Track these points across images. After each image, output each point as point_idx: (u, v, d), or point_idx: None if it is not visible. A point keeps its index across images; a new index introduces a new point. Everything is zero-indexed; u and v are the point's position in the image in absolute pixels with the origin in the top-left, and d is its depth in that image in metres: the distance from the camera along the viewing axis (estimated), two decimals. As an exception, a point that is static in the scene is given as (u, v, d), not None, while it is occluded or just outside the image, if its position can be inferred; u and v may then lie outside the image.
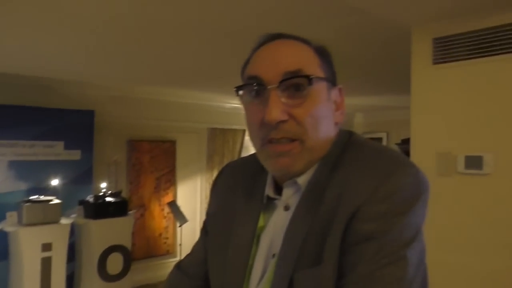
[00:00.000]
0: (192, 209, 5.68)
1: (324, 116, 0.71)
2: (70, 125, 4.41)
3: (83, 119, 4.50)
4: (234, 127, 6.06)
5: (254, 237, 0.75)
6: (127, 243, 4.21)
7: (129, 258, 4.21)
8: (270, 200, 0.77)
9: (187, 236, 5.42)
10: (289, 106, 0.68)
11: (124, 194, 4.73)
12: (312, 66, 0.70)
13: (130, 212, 4.47)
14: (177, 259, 5.20)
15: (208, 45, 2.85)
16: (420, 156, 2.25)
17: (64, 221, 3.90)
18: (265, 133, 0.69)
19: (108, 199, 4.22)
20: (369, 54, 3.05)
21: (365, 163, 0.67)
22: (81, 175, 4.48)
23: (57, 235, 3.78)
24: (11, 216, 3.76)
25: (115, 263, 4.06)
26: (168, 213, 5.36)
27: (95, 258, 3.95)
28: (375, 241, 0.60)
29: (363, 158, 0.69)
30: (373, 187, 0.62)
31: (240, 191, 0.81)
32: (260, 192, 0.78)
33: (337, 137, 0.74)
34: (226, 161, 5.98)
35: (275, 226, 0.73)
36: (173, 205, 5.00)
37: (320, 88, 0.70)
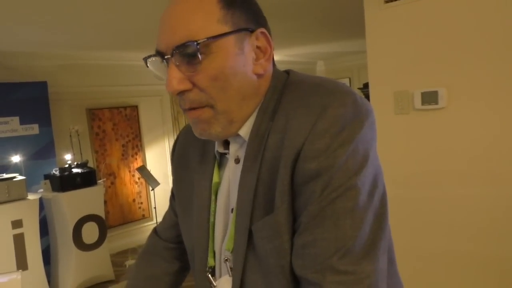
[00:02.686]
0: (163, 171, 5.68)
1: (234, 73, 0.65)
2: (23, 99, 4.20)
3: (36, 92, 4.29)
4: (196, 86, 5.95)
5: (211, 194, 0.76)
6: (100, 212, 4.19)
7: (104, 226, 4.21)
8: (223, 155, 0.77)
9: (161, 199, 5.44)
10: (189, 73, 0.65)
11: (90, 164, 4.65)
12: (208, 26, 0.63)
13: (100, 181, 4.41)
14: (154, 222, 5.26)
15: (159, 3, 2.73)
16: (378, 97, 2.31)
17: (32, 196, 3.82)
18: (175, 99, 0.69)
19: (74, 170, 4.14)
20: (322, 0, 3.02)
21: (302, 101, 0.64)
22: (42, 149, 4.34)
23: (26, 211, 3.71)
24: (-26, 197, 3.64)
25: (90, 232, 4.06)
26: (139, 178, 5.33)
27: (69, 230, 3.93)
28: (321, 178, 0.59)
29: (300, 96, 0.66)
30: (311, 124, 0.60)
31: (194, 153, 0.82)
32: (212, 150, 0.78)
33: (273, 81, 0.71)
34: (192, 121, 5.94)
35: (229, 180, 0.74)
36: (143, 170, 4.97)
37: (223, 45, 0.64)
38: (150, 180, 4.87)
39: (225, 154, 0.76)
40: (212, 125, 0.68)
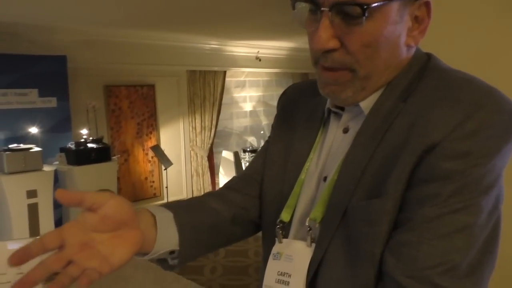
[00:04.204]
0: (176, 152, 5.72)
1: (387, 42, 0.61)
2: (42, 72, 4.26)
3: (55, 65, 4.34)
4: (214, 69, 5.94)
5: (310, 153, 0.73)
6: (113, 188, 4.27)
7: (116, 202, 4.29)
8: (329, 118, 0.74)
9: (173, 179, 5.51)
10: (341, 32, 0.60)
11: (105, 140, 4.71)
12: None
13: (114, 157, 4.47)
14: (164, 201, 5.32)
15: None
16: None
17: (47, 168, 3.90)
18: (316, 55, 0.64)
19: (90, 145, 4.20)
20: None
21: (449, 92, 0.58)
22: (59, 123, 4.41)
23: (41, 182, 3.79)
24: (-8, 165, 3.74)
25: (102, 207, 4.13)
26: (152, 157, 5.39)
27: (82, 204, 4.01)
28: (451, 182, 0.54)
29: (447, 86, 0.59)
30: (458, 121, 0.54)
31: (302, 111, 0.80)
32: (321, 110, 0.75)
33: (411, 60, 0.66)
34: (208, 104, 5.96)
35: (331, 146, 0.71)
36: (157, 149, 5.02)
37: (385, 10, 0.59)
38: (163, 160, 4.92)
39: (336, 113, 0.72)
40: (345, 89, 0.64)
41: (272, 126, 0.88)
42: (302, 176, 0.73)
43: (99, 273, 0.54)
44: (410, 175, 0.57)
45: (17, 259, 0.49)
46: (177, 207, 0.74)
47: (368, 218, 0.59)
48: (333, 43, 0.61)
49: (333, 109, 0.72)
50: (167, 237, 0.69)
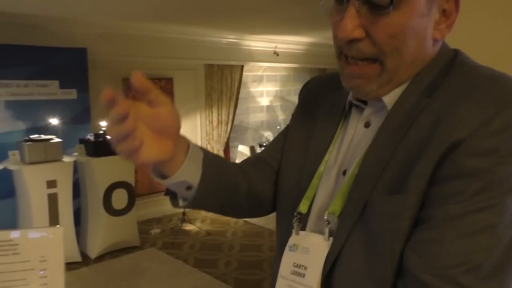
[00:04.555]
0: (192, 146, 5.76)
1: (414, 34, 0.60)
2: (63, 63, 4.32)
3: (76, 58, 4.40)
4: (231, 62, 5.94)
5: (330, 145, 0.73)
6: (131, 180, 4.32)
7: (133, 194, 4.34)
8: (350, 112, 0.73)
9: (188, 172, 5.54)
10: (368, 22, 0.59)
11: (123, 133, 4.76)
12: None
13: (131, 150, 4.52)
14: (180, 194, 5.37)
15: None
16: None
17: (67, 159, 3.97)
18: (340, 44, 0.63)
19: (108, 137, 4.25)
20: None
21: (477, 89, 0.57)
22: (79, 114, 4.48)
23: (61, 172, 3.86)
24: (14, 155, 3.82)
25: (120, 198, 4.19)
26: (168, 150, 5.43)
27: (100, 194, 4.08)
28: (477, 180, 0.53)
29: (475, 83, 0.58)
30: (484, 118, 0.53)
31: (324, 104, 0.80)
32: (342, 103, 0.75)
33: (437, 55, 0.65)
34: (225, 99, 5.97)
35: (351, 140, 0.70)
36: (173, 142, 5.06)
37: (412, 2, 0.58)
38: (180, 153, 4.95)
39: (357, 107, 0.71)
40: (370, 83, 0.63)
41: (292, 115, 0.87)
42: (321, 168, 0.73)
43: (128, 156, 0.61)
44: (433, 172, 0.56)
45: (109, 96, 0.57)
46: (208, 153, 0.77)
47: (388, 213, 0.59)
48: (358, 33, 0.60)
49: (355, 102, 0.71)
50: (191, 169, 0.71)
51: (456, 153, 0.54)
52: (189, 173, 0.71)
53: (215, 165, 0.77)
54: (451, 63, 0.64)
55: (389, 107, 0.65)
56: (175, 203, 0.76)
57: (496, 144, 0.53)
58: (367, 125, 0.69)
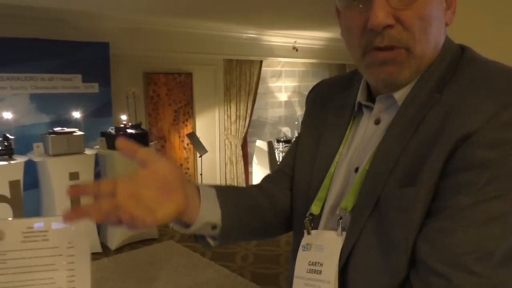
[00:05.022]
0: (211, 140, 5.80)
1: (435, 16, 0.62)
2: (86, 57, 4.40)
3: (98, 52, 4.47)
4: (251, 58, 5.94)
5: (340, 146, 0.74)
6: (149, 173, 4.38)
7: (152, 187, 4.40)
8: (360, 110, 0.74)
9: (207, 166, 5.60)
10: (396, 8, 0.60)
11: (143, 126, 4.83)
12: None
13: (151, 143, 4.59)
14: (198, 188, 5.42)
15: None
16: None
17: (88, 151, 4.06)
18: (368, 40, 0.63)
19: (129, 131, 4.33)
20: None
21: (486, 83, 0.58)
22: (100, 108, 4.56)
23: (83, 164, 3.95)
24: (38, 147, 3.92)
25: (139, 191, 4.26)
26: (188, 144, 5.49)
27: (120, 187, 4.15)
28: (487, 171, 0.54)
29: (484, 77, 0.60)
30: (494, 110, 0.54)
31: (331, 103, 0.81)
32: (351, 104, 0.76)
33: (443, 50, 0.66)
34: (243, 94, 5.98)
35: (362, 138, 0.71)
36: (192, 136, 5.11)
37: None
38: (199, 147, 5.00)
39: (366, 107, 0.72)
40: (403, 68, 0.64)
41: (302, 122, 0.88)
42: (332, 169, 0.74)
43: (143, 221, 0.58)
44: (445, 164, 0.57)
45: (75, 191, 0.56)
46: (218, 186, 0.77)
47: (401, 205, 0.60)
48: (390, 19, 0.61)
49: (364, 102, 0.72)
50: (211, 209, 0.71)
51: (466, 145, 0.55)
52: (209, 214, 0.71)
53: (231, 196, 0.77)
54: (458, 58, 0.65)
55: (400, 103, 0.66)
56: (207, 246, 0.76)
57: (506, 136, 0.54)
58: (377, 122, 0.70)
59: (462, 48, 0.67)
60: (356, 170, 0.69)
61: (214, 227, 0.72)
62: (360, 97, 0.73)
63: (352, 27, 0.65)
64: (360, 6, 0.63)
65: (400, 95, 0.66)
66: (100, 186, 0.58)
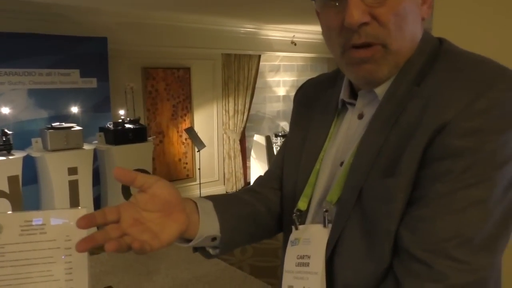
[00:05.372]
0: (210, 135, 5.80)
1: (410, 12, 0.63)
2: (84, 53, 4.39)
3: (96, 47, 4.46)
4: (249, 52, 5.93)
5: (325, 142, 0.76)
6: (148, 168, 4.40)
7: (151, 181, 4.42)
8: (344, 107, 0.76)
9: (205, 161, 5.60)
10: (371, 6, 0.62)
11: (142, 121, 4.83)
12: None
13: (150, 138, 4.60)
14: (197, 183, 5.44)
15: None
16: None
17: (87, 147, 4.06)
18: (346, 38, 0.64)
19: (127, 125, 4.33)
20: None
21: (461, 73, 0.60)
22: (99, 103, 4.55)
23: (81, 159, 3.96)
24: (37, 142, 3.93)
25: (138, 186, 4.27)
26: (186, 139, 5.49)
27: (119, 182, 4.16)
28: (463, 159, 0.55)
29: (459, 68, 0.61)
30: (468, 99, 0.56)
31: (317, 102, 0.82)
32: (335, 101, 0.77)
33: (422, 43, 0.67)
34: (241, 88, 5.97)
35: (346, 133, 0.73)
36: (190, 131, 5.11)
37: None
38: (197, 142, 5.00)
39: (350, 104, 0.74)
40: (381, 66, 0.65)
41: (290, 122, 0.90)
42: (317, 165, 0.75)
43: (150, 246, 0.59)
44: (423, 154, 0.58)
45: (84, 222, 0.55)
46: (215, 198, 0.78)
47: (383, 196, 0.61)
48: (366, 17, 0.62)
49: (347, 100, 0.74)
50: (209, 223, 0.72)
51: (443, 135, 0.57)
52: (208, 227, 0.72)
53: (227, 206, 0.78)
54: (437, 51, 0.66)
55: (380, 97, 0.67)
56: (207, 255, 0.77)
57: (480, 124, 0.55)
58: (360, 116, 0.72)
59: (440, 41, 0.69)
60: (341, 164, 0.71)
61: (213, 238, 0.73)
62: (343, 94, 0.75)
63: (330, 27, 0.66)
64: (337, 4, 0.64)
65: (381, 90, 0.68)
66: (106, 214, 0.58)
